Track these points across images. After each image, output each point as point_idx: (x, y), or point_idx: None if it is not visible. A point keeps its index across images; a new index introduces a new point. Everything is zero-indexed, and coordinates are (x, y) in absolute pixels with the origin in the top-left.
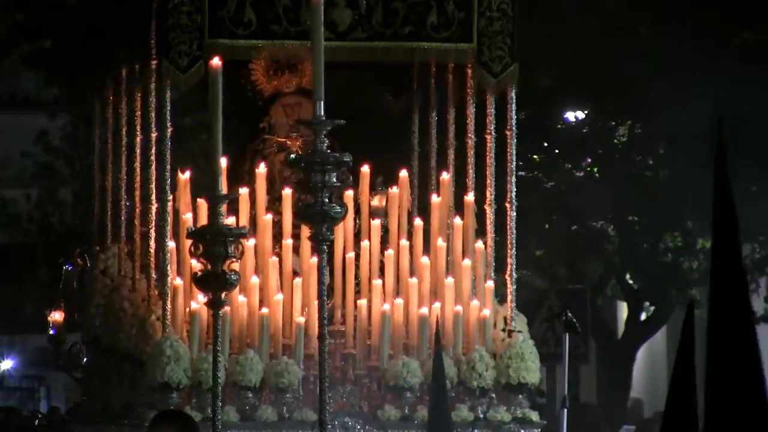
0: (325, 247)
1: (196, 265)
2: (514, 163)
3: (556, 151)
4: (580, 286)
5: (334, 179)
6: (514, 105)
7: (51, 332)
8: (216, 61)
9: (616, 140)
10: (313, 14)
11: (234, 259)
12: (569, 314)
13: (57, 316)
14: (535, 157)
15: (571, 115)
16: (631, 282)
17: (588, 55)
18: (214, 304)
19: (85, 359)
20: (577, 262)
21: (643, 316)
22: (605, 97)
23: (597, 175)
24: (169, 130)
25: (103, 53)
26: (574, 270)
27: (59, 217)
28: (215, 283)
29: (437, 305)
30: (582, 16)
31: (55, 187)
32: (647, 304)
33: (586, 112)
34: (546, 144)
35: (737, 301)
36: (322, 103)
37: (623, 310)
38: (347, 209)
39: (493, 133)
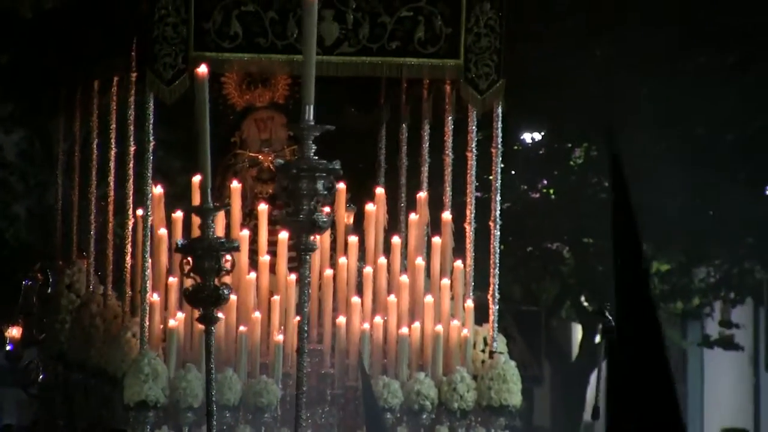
0: (308, 258)
1: (172, 280)
2: (499, 182)
3: (512, 172)
4: (535, 308)
5: (321, 187)
6: (500, 122)
7: (8, 348)
8: (202, 69)
9: (572, 162)
10: (306, 14)
11: (225, 274)
12: (609, 317)
13: (14, 332)
14: (490, 178)
15: (527, 137)
16: (585, 304)
17: (546, 76)
18: (206, 320)
19: (41, 376)
20: (532, 284)
21: (598, 339)
22: (563, 119)
23: (553, 196)
24: (152, 144)
25: (75, 65)
26: (529, 291)
27: (13, 233)
28: (208, 298)
29: (417, 325)
30: (539, 36)
31: (9, 203)
32: (600, 326)
33: (542, 133)
34: (502, 165)
35: (642, 311)
36: (312, 107)
37: (578, 332)
38: (333, 218)
39: (475, 151)
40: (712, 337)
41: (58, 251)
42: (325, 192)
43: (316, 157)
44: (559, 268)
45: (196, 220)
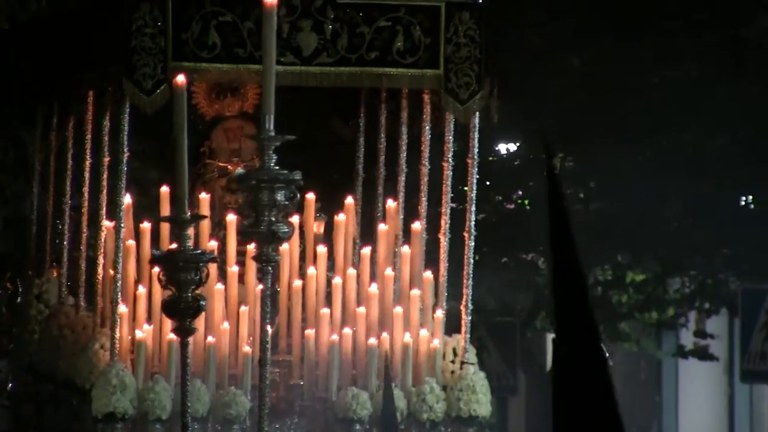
0: (271, 269)
1: (141, 291)
2: (474, 191)
3: (487, 183)
4: (510, 319)
5: (282, 198)
6: (476, 133)
7: None
8: (180, 79)
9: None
10: (266, 21)
11: (201, 285)
12: None
13: None
14: (465, 189)
15: (502, 148)
16: None
17: (520, 88)
18: (182, 332)
19: (10, 385)
20: (507, 294)
21: None
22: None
23: (528, 207)
24: (126, 155)
25: (51, 76)
26: (504, 302)
27: None
28: (185, 310)
29: (386, 335)
30: (517, 48)
31: None
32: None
33: (518, 144)
34: (477, 176)
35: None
36: (272, 117)
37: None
38: (294, 229)
39: (450, 161)
40: (687, 347)
41: (31, 261)
42: (286, 202)
43: (277, 167)
44: (534, 278)
45: (165, 231)
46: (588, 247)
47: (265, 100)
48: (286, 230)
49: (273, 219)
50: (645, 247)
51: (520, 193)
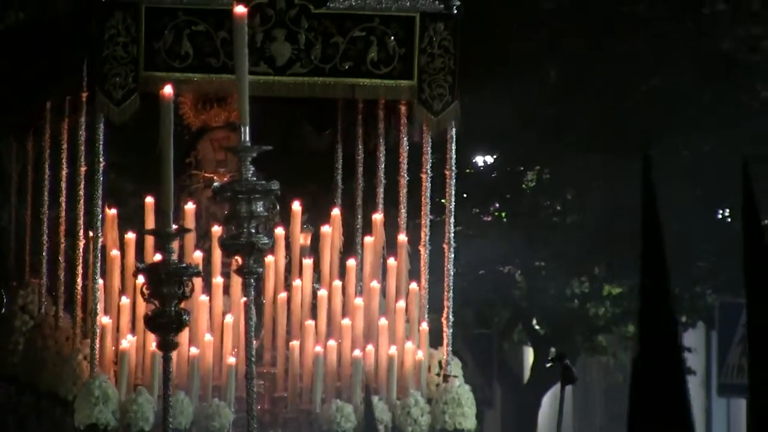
0: (253, 281)
1: (124, 302)
2: (453, 203)
3: (464, 195)
4: (487, 331)
5: (261, 209)
6: (453, 144)
7: None
8: (168, 90)
9: (524, 185)
10: (236, 32)
11: (185, 299)
12: (567, 362)
13: None
14: (442, 201)
15: (479, 160)
16: (537, 327)
17: (498, 98)
18: (165, 346)
19: None
20: (484, 307)
21: (549, 364)
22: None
23: (505, 220)
24: (102, 164)
25: (25, 87)
26: (481, 315)
27: None
28: (168, 324)
29: (371, 348)
30: (495, 59)
31: None
32: (553, 349)
33: (494, 156)
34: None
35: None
36: (248, 128)
37: (529, 355)
38: (274, 240)
39: (429, 173)
40: None
41: (12, 272)
42: (265, 213)
43: (254, 179)
44: (510, 291)
45: (150, 242)
46: (565, 260)
47: (240, 111)
48: (266, 242)
49: (253, 230)
50: (622, 260)
51: (497, 205)
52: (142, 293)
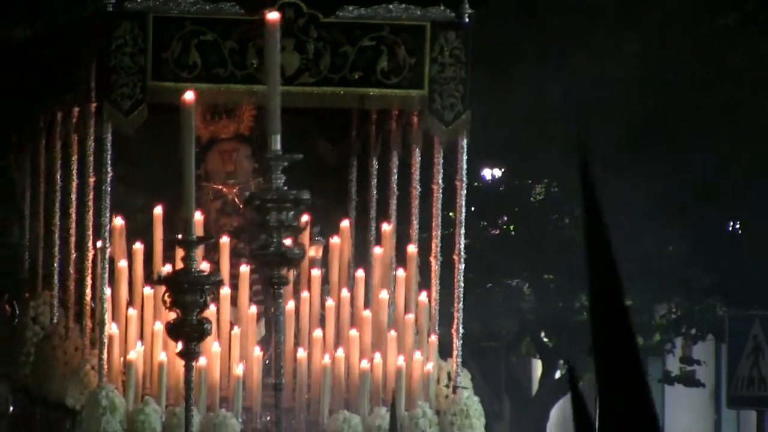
0: (281, 292)
1: (132, 312)
2: (464, 214)
3: (472, 208)
4: (495, 344)
5: (292, 218)
6: (465, 155)
7: None
8: (189, 96)
9: (532, 198)
10: (268, 39)
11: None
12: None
13: None
14: (450, 214)
15: (488, 173)
16: (545, 340)
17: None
18: (187, 355)
19: (11, 408)
20: (492, 320)
21: (558, 374)
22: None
23: (513, 233)
24: (110, 175)
25: (34, 98)
26: (489, 327)
27: None
28: (190, 333)
29: (379, 360)
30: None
31: None
32: (561, 362)
33: (503, 169)
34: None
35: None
36: (278, 137)
37: (537, 368)
38: (305, 251)
39: (440, 183)
40: (673, 373)
41: (25, 283)
42: (295, 223)
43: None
44: (518, 304)
45: (159, 253)
46: (573, 273)
47: (271, 120)
48: (298, 252)
49: (282, 241)
50: (631, 272)
51: (505, 218)
52: (164, 301)
